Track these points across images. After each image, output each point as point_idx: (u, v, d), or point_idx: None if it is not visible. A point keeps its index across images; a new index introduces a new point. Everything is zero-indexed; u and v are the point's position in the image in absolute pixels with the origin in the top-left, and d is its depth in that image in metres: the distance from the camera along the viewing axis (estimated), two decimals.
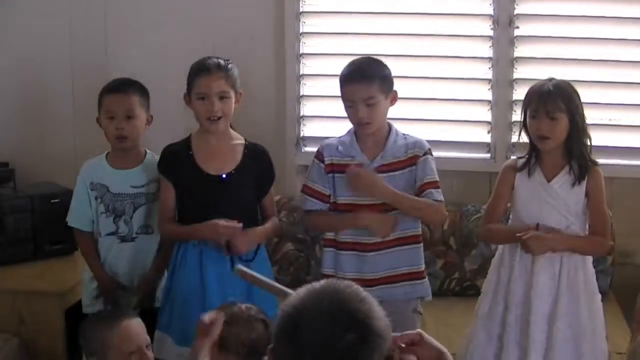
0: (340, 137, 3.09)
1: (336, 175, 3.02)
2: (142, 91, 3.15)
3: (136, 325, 2.69)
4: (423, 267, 3.07)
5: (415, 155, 2.99)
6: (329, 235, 3.07)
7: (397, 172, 2.99)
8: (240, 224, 2.93)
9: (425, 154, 3.00)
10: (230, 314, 2.61)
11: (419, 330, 1.79)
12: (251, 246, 2.99)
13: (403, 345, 1.74)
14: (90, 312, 3.10)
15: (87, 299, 3.18)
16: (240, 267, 2.37)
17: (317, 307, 1.58)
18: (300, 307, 1.59)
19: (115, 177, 3.13)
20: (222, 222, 2.93)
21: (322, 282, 1.65)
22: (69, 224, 3.19)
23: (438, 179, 3.00)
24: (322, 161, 3.05)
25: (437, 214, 3.03)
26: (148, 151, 3.20)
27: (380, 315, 1.60)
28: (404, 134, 3.05)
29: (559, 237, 2.88)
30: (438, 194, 2.97)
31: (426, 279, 3.08)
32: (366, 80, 2.92)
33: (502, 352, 2.95)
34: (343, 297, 1.59)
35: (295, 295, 1.63)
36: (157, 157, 3.15)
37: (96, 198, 3.12)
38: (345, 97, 2.98)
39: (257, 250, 3.06)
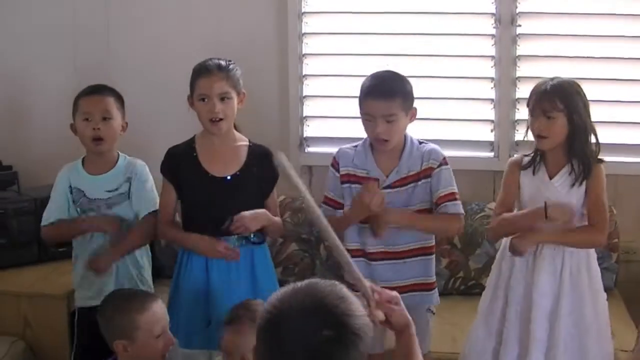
0: (355, 146, 3.03)
1: (352, 186, 2.98)
2: (118, 95, 3.17)
3: (162, 307, 2.71)
4: (434, 278, 3.06)
5: (429, 167, 2.94)
6: (352, 245, 2.96)
7: (410, 185, 2.94)
8: (238, 251, 2.95)
9: (440, 165, 2.94)
10: (254, 318, 2.60)
11: (396, 293, 1.84)
12: (258, 224, 2.96)
13: (377, 298, 1.82)
14: (86, 306, 3.09)
15: (85, 292, 3.16)
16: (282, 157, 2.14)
17: (295, 305, 1.61)
18: (280, 305, 1.63)
19: (91, 182, 3.15)
20: (223, 243, 2.94)
21: (305, 281, 1.68)
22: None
23: (455, 190, 2.94)
24: (338, 170, 3.02)
25: (451, 228, 3.01)
26: (121, 154, 3.21)
27: (359, 313, 1.63)
28: (419, 142, 2.99)
29: (544, 231, 2.84)
30: (454, 207, 2.91)
31: (436, 289, 3.07)
32: (388, 97, 2.86)
33: (501, 347, 2.94)
34: (322, 295, 1.62)
35: (278, 293, 1.66)
36: (129, 159, 3.19)
37: (74, 202, 3.15)
38: (365, 110, 2.91)
39: (264, 238, 3.06)
